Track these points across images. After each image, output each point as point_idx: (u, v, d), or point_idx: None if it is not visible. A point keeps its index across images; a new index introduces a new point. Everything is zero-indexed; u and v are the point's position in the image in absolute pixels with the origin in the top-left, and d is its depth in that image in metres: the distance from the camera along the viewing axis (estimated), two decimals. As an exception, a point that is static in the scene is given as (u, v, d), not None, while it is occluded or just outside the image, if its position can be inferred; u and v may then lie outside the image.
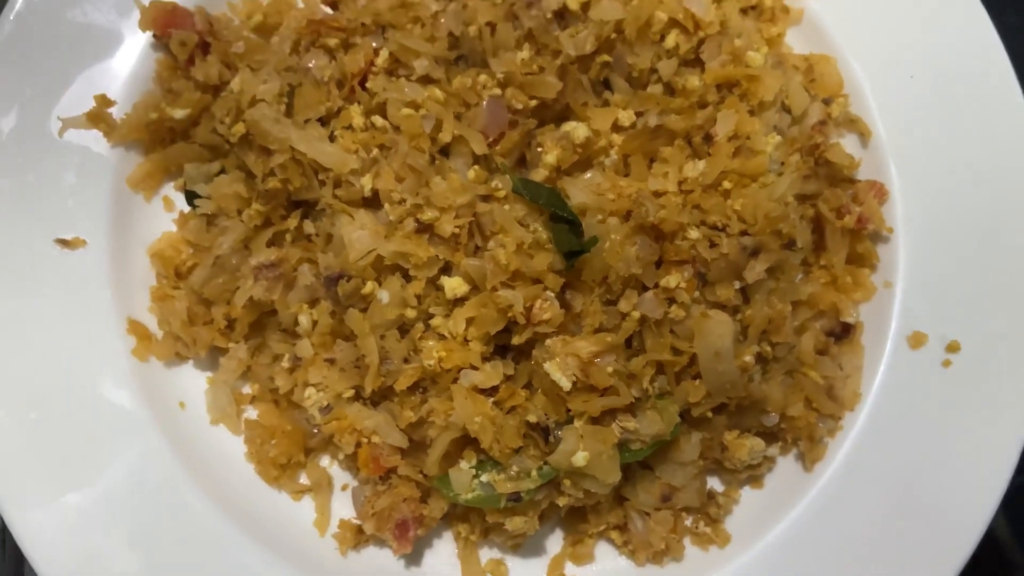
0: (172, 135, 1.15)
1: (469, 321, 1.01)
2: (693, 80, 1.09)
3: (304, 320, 1.05)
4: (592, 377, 0.97)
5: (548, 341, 0.99)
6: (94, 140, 1.13)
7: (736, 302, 1.04)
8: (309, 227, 1.08)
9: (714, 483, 1.14)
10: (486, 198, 1.04)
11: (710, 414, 1.06)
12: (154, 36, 1.14)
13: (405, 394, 1.03)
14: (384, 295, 1.02)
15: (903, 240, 1.16)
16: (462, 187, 1.03)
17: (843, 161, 1.15)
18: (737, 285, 1.04)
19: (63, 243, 1.09)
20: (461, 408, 0.98)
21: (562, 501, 1.03)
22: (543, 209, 1.01)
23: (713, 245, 1.02)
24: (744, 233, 1.03)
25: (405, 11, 1.09)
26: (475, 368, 1.00)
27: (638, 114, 1.10)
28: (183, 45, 1.11)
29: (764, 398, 1.06)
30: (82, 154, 1.12)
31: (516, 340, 1.00)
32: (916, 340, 1.12)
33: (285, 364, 1.08)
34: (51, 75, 1.12)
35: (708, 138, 1.09)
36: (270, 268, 1.06)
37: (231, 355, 1.11)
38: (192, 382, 1.13)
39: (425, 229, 1.01)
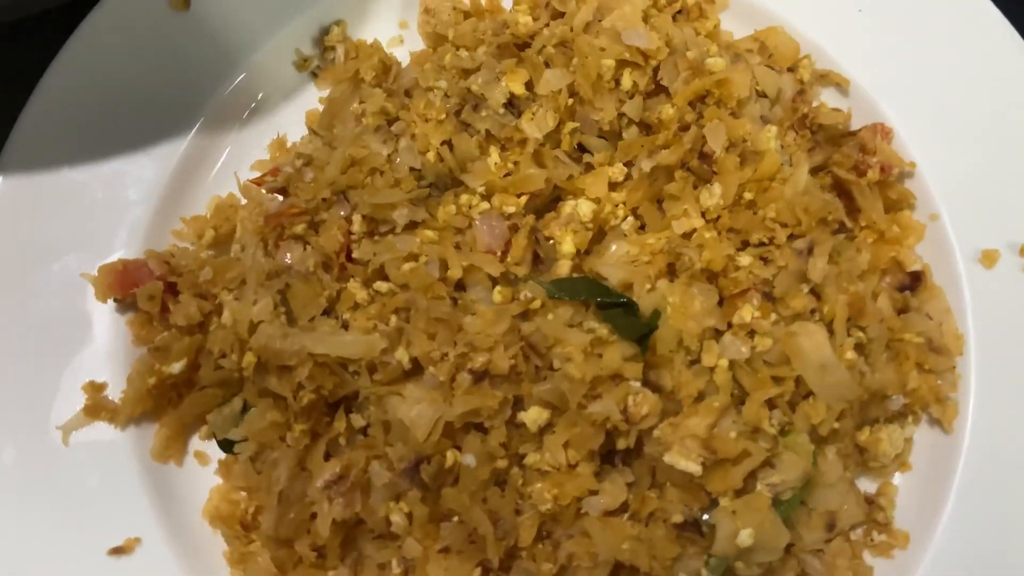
0: (177, 388, 1.06)
1: (566, 445, 0.93)
2: (666, 109, 1.04)
3: (398, 519, 0.96)
4: (720, 450, 0.89)
5: (656, 432, 0.92)
6: (101, 431, 1.04)
7: (812, 305, 0.98)
8: (358, 420, 0.99)
9: (863, 484, 1.07)
10: (524, 315, 0.97)
11: (836, 424, 0.99)
12: (116, 301, 1.06)
13: (533, 546, 0.95)
14: (470, 459, 0.93)
15: (927, 168, 1.11)
16: (496, 316, 0.95)
17: (835, 119, 1.11)
18: (805, 288, 0.98)
19: (118, 551, 1.00)
20: (602, 542, 0.90)
21: (741, 584, 0.95)
22: (588, 302, 0.95)
23: (767, 261, 0.96)
24: (792, 236, 0.97)
25: (359, 168, 1.02)
26: (595, 492, 0.92)
27: (628, 165, 1.04)
28: (151, 299, 1.03)
29: (882, 386, 0.99)
30: (95, 450, 1.03)
31: (622, 444, 0.93)
32: (988, 258, 1.07)
33: (396, 570, 0.99)
34: (35, 384, 1.04)
35: (705, 157, 1.03)
36: (339, 482, 0.97)
37: (335, 583, 1.02)
38: (308, 628, 1.03)
39: (481, 376, 0.94)
